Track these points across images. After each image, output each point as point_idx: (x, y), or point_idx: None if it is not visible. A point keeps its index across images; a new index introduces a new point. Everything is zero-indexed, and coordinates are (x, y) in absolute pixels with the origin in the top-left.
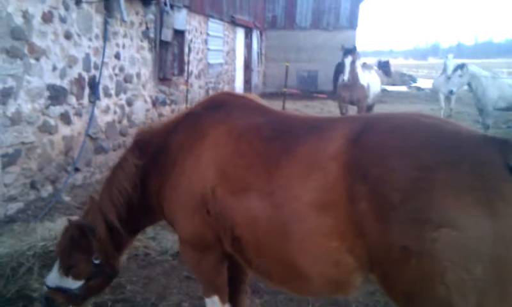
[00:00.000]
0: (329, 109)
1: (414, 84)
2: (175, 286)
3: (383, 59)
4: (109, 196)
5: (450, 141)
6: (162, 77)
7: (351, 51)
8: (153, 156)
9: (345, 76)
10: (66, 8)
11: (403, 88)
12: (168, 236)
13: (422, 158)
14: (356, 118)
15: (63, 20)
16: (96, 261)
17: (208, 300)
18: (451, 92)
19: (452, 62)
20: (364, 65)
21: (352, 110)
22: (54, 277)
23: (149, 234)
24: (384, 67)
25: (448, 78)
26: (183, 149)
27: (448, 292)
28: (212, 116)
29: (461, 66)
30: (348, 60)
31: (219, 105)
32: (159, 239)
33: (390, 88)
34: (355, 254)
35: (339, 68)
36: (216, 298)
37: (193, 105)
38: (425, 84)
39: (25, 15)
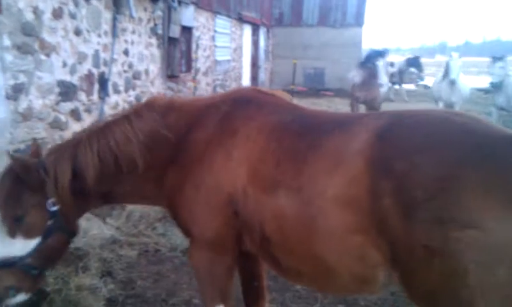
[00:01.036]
0: (336, 106)
1: (421, 82)
2: (185, 282)
3: (411, 56)
4: (99, 147)
5: (478, 139)
6: (170, 74)
7: (381, 53)
8: (172, 144)
9: (381, 80)
10: (76, 4)
11: (411, 86)
12: (177, 233)
13: (448, 155)
14: (382, 113)
15: (72, 16)
16: (54, 208)
17: None
18: (493, 85)
19: (458, 63)
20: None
21: (361, 110)
22: None
23: (159, 230)
24: (414, 65)
25: (452, 83)
26: (211, 146)
27: (470, 294)
28: (242, 113)
29: (501, 58)
30: (381, 63)
31: (248, 102)
32: (169, 236)
33: (396, 86)
34: (379, 249)
35: (370, 68)
36: None
37: (215, 98)
38: (432, 82)
39: (36, 11)
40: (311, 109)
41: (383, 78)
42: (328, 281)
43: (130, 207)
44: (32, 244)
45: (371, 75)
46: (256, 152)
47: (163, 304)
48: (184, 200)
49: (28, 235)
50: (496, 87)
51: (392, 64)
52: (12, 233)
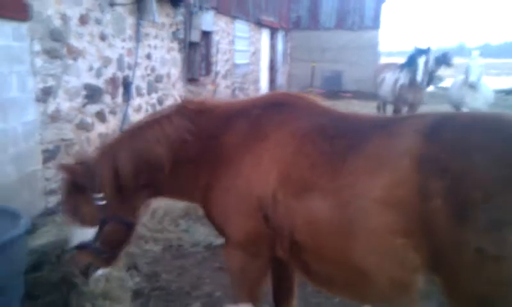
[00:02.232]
0: (353, 108)
1: (441, 84)
2: (207, 276)
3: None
4: (132, 147)
5: None
6: (191, 77)
7: (424, 51)
8: (203, 145)
9: (419, 76)
10: (102, 10)
11: (430, 88)
12: (200, 229)
13: (507, 155)
14: (425, 114)
15: (98, 21)
16: (100, 202)
17: None
18: None
19: (478, 63)
20: (387, 65)
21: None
22: (73, 236)
23: (182, 226)
24: (444, 62)
25: (472, 86)
26: (240, 150)
27: None
28: (273, 117)
29: None
30: (422, 60)
31: (279, 106)
32: (192, 232)
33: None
34: (421, 252)
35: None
36: None
37: (247, 102)
38: (451, 84)
39: (63, 18)
40: (344, 112)
41: (420, 75)
42: (361, 287)
43: (154, 204)
44: (93, 231)
45: (416, 76)
46: (287, 156)
47: (187, 296)
48: (216, 201)
49: (88, 223)
50: None
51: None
52: (78, 224)
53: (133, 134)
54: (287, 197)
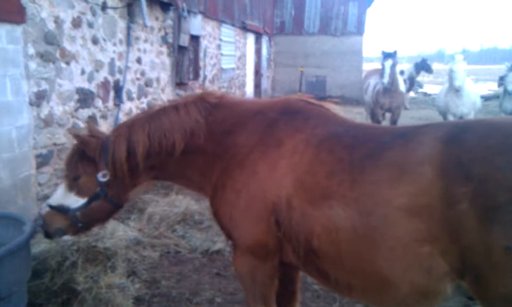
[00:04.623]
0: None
1: (421, 90)
2: (206, 282)
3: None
4: (150, 130)
5: None
6: (179, 82)
7: (391, 55)
8: (217, 141)
9: (385, 79)
10: (93, 14)
11: (410, 94)
12: (196, 235)
13: None
14: (442, 123)
15: (90, 25)
16: (103, 179)
17: None
18: (509, 92)
19: (462, 67)
20: (375, 71)
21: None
22: (58, 196)
23: (178, 232)
24: (424, 68)
25: (458, 91)
26: (255, 153)
27: None
28: (289, 123)
29: None
30: (388, 63)
31: (296, 112)
32: (189, 238)
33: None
34: (448, 258)
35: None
36: None
37: (263, 104)
38: (431, 89)
39: (57, 20)
40: (361, 122)
41: (386, 78)
42: (382, 294)
43: (150, 209)
44: (81, 201)
45: (393, 81)
46: (303, 164)
47: (187, 302)
48: (225, 203)
49: (79, 194)
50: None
51: (402, 72)
52: (69, 188)
53: (149, 117)
54: (303, 204)
